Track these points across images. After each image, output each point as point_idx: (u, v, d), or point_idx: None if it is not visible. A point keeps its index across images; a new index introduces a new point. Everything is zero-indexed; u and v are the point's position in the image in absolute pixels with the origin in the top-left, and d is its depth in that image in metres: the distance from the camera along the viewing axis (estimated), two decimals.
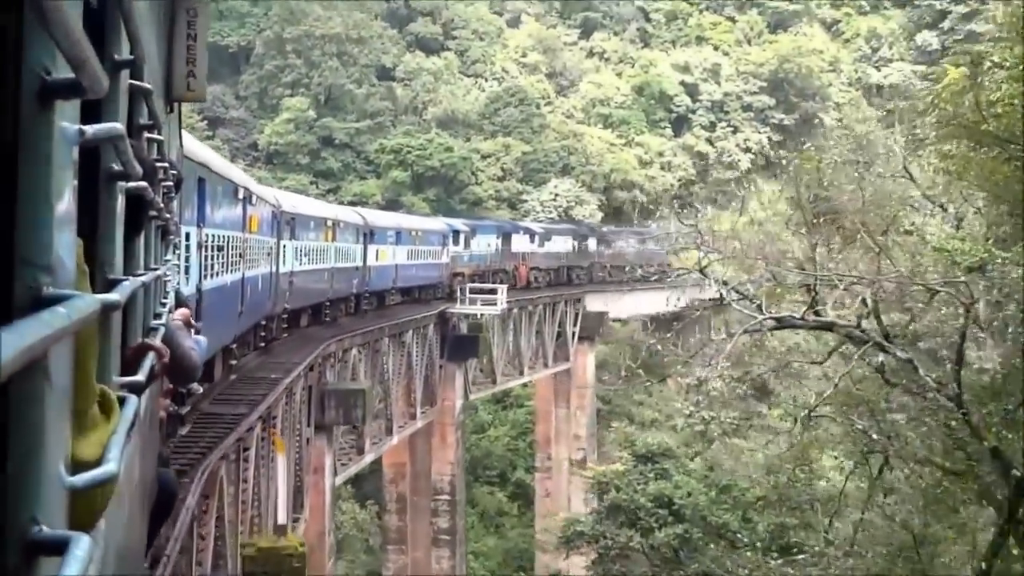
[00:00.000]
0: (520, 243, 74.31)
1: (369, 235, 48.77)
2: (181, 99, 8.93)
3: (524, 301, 68.90)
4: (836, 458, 58.19)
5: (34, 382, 1.86)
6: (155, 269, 6.30)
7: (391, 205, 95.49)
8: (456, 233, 64.08)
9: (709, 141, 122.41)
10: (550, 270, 79.34)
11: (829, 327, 34.96)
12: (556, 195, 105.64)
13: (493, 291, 61.63)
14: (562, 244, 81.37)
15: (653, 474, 54.66)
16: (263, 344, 34.64)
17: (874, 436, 31.79)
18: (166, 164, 6.74)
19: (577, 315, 79.61)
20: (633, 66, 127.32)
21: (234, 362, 28.96)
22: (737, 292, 36.07)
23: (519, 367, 70.93)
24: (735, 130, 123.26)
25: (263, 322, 33.82)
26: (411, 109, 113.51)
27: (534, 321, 72.03)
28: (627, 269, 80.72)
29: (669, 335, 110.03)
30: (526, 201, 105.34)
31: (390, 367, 48.58)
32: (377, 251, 50.08)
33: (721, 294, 36.40)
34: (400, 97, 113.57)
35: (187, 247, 18.49)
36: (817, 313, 33.40)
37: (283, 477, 27.07)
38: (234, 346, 28.09)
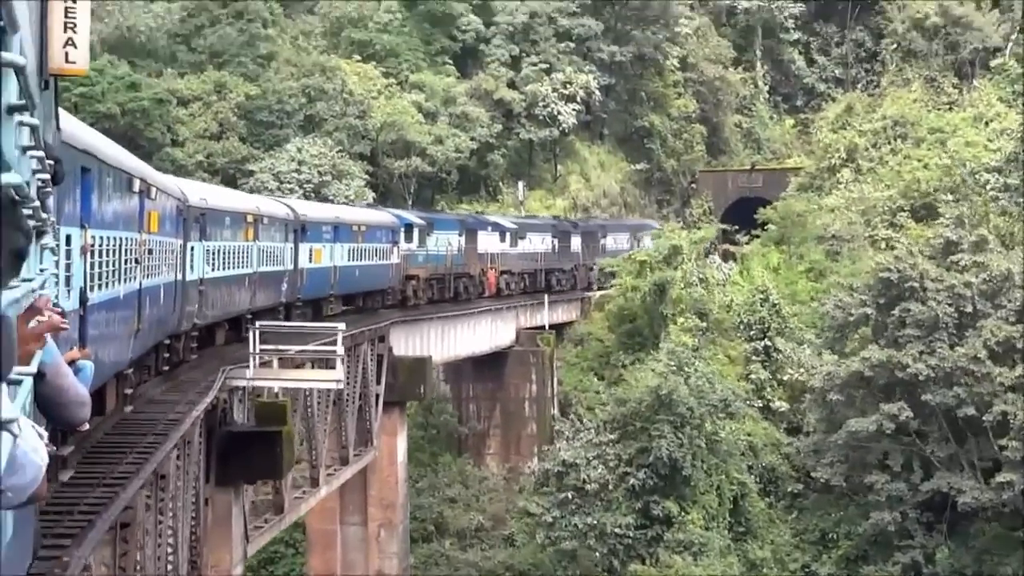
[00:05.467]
0: (488, 241, 74.29)
1: (301, 231, 49.40)
2: (59, 73, 9.79)
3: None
4: None
5: None
6: (28, 280, 6.44)
7: None
8: (409, 228, 64.42)
9: (512, 84, 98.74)
10: (524, 274, 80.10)
11: None
12: (300, 162, 80.00)
13: (316, 336, 40.90)
14: (539, 242, 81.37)
15: None
16: (167, 368, 34.47)
17: None
18: (41, 153, 6.89)
19: (380, 363, 57.14)
20: None
21: (130, 391, 28.39)
22: None
23: (314, 474, 48.13)
24: (549, 69, 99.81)
25: (167, 341, 33.80)
26: None
27: None
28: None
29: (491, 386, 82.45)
30: (253, 172, 79.48)
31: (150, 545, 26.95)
32: (311, 250, 50.99)
33: None
34: None
35: (68, 252, 18.53)
36: None
37: None
38: (130, 371, 27.87)
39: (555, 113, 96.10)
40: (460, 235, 70.40)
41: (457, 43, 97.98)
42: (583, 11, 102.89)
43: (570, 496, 65.85)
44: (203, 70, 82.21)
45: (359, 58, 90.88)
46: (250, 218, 42.18)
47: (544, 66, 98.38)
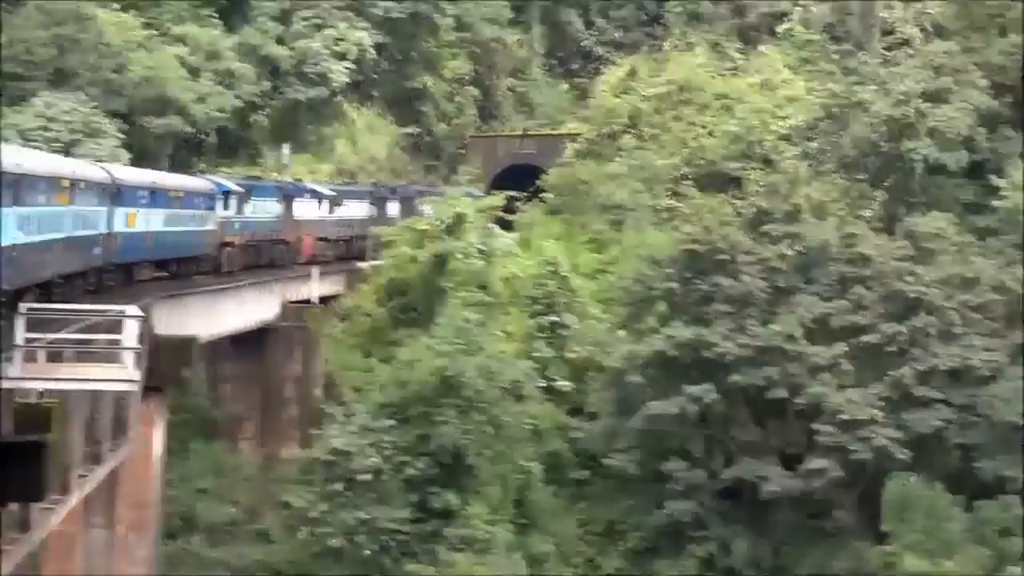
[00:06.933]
0: (305, 208, 74.80)
1: (116, 195, 48.34)
2: None
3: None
4: None
5: None
6: None
7: None
8: (227, 195, 63.82)
9: (281, 40, 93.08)
10: (340, 240, 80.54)
11: None
12: (49, 119, 73.45)
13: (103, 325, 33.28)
14: (357, 209, 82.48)
15: None
16: None
17: None
18: None
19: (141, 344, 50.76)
20: None
21: None
22: None
23: (65, 480, 41.93)
24: (321, 25, 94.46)
25: None
26: None
27: None
28: None
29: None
30: None
31: None
32: (127, 215, 49.86)
33: None
34: None
35: None
36: None
37: None
38: None
39: (326, 71, 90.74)
40: (279, 202, 70.51)
41: None
42: None
43: (340, 488, 60.53)
44: None
45: (117, 7, 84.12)
46: (66, 183, 40.71)
47: (317, 21, 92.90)
